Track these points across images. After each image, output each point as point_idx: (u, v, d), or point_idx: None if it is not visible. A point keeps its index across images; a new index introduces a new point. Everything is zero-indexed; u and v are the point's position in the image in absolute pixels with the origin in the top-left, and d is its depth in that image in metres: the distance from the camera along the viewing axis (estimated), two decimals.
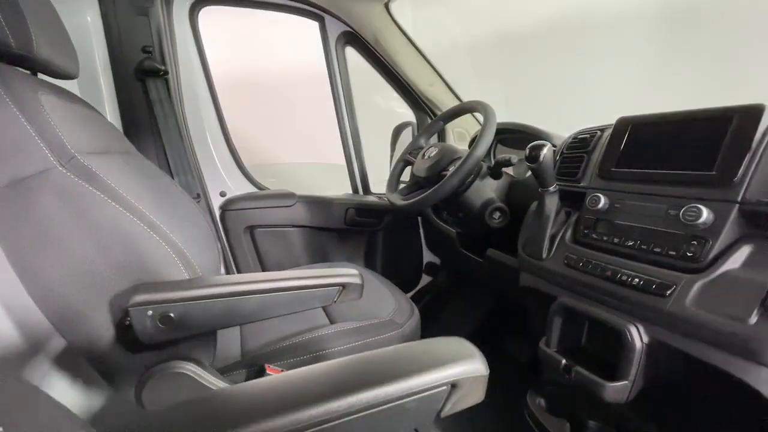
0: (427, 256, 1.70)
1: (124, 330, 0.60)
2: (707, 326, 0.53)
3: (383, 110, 1.82)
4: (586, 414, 0.80)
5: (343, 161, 1.58)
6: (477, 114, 1.30)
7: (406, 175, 1.28)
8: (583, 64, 1.75)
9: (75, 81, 0.98)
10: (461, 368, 0.39)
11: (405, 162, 1.25)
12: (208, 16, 1.31)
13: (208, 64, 1.32)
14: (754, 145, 0.57)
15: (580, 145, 0.86)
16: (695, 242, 0.59)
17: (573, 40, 1.77)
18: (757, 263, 0.53)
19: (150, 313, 0.57)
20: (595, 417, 0.79)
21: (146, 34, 1.12)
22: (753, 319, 0.49)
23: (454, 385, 0.39)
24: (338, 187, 1.61)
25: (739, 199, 0.56)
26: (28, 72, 0.69)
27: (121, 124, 1.15)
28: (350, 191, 1.62)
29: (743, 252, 0.55)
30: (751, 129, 0.57)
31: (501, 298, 1.45)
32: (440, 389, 0.38)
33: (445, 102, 1.54)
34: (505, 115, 1.47)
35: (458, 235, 1.30)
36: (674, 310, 0.56)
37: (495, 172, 1.09)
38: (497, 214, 1.05)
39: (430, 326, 1.55)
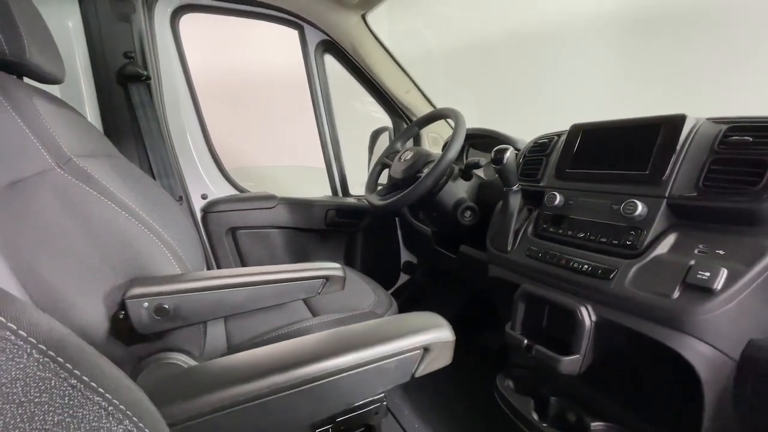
0: (405, 256, 1.77)
1: (118, 322, 0.64)
2: (641, 302, 0.62)
3: (362, 115, 1.89)
4: (548, 391, 0.88)
5: (322, 164, 1.63)
6: (450, 120, 1.39)
7: (384, 179, 1.35)
8: (549, 71, 1.89)
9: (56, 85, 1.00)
10: (432, 335, 0.46)
11: (382, 165, 1.32)
12: (189, 21, 1.34)
13: (190, 70, 1.34)
14: (677, 148, 0.67)
15: (540, 149, 0.95)
16: (633, 232, 0.68)
17: (540, 49, 1.91)
18: (680, 248, 0.63)
19: (146, 304, 0.61)
20: (556, 393, 0.87)
21: (128, 40, 1.14)
22: (675, 294, 0.58)
23: (426, 349, 0.46)
24: (318, 190, 1.66)
25: (667, 194, 0.66)
26: (11, 75, 0.72)
27: (102, 128, 1.16)
28: (329, 193, 1.67)
29: (670, 239, 0.65)
30: (675, 135, 0.67)
31: (474, 294, 1.54)
32: (414, 352, 0.45)
33: (420, 108, 1.62)
34: (476, 119, 1.57)
35: (433, 234, 1.38)
36: (616, 290, 0.65)
37: (466, 174, 1.18)
38: (468, 213, 1.13)
39: None
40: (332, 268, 0.76)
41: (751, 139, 0.60)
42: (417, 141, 1.70)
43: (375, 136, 1.75)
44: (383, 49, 1.51)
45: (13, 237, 0.60)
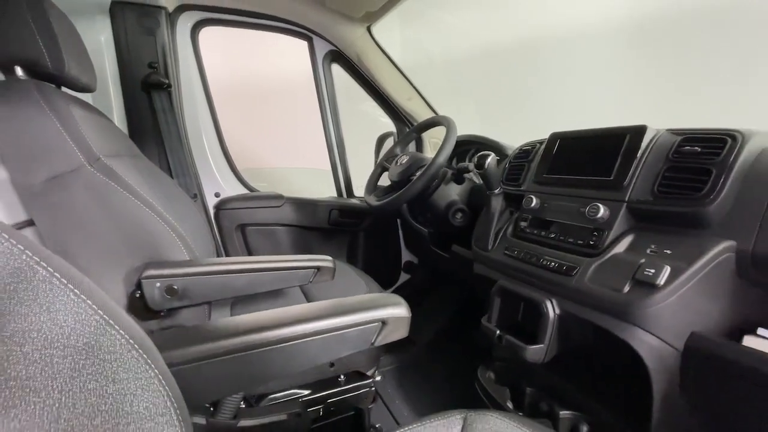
0: (406, 256, 1.84)
1: (134, 300, 0.73)
2: (597, 297, 0.68)
3: (372, 120, 1.98)
4: (524, 382, 0.94)
5: (328, 166, 1.73)
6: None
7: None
8: (552, 78, 1.96)
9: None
10: (389, 311, 0.53)
11: (382, 168, 1.40)
12: (208, 33, 1.46)
13: (207, 78, 1.46)
14: (638, 156, 0.73)
15: (524, 155, 1.02)
16: (596, 233, 0.74)
17: (545, 56, 1.98)
18: (635, 248, 0.69)
19: (158, 284, 0.71)
20: (531, 384, 0.93)
21: (152, 52, 1.26)
22: (626, 289, 0.64)
23: (383, 322, 0.53)
24: (324, 191, 1.76)
25: (627, 198, 0.72)
26: (51, 84, 0.83)
27: (128, 131, 1.29)
28: (335, 194, 1.76)
29: (627, 240, 0.71)
30: (637, 144, 0.73)
31: (470, 294, 1.60)
32: (373, 324, 0.52)
33: (422, 114, 1.70)
34: (478, 126, 1.64)
35: (429, 234, 1.45)
36: (577, 286, 0.71)
37: (458, 178, 1.25)
38: (459, 215, 1.20)
39: (412, 327, 1.70)
40: (323, 259, 0.84)
41: (699, 149, 0.65)
42: (420, 146, 1.78)
43: (381, 140, 1.84)
44: (387, 58, 1.59)
45: (51, 224, 0.71)
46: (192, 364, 0.40)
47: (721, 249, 0.59)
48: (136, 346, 0.33)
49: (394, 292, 1.84)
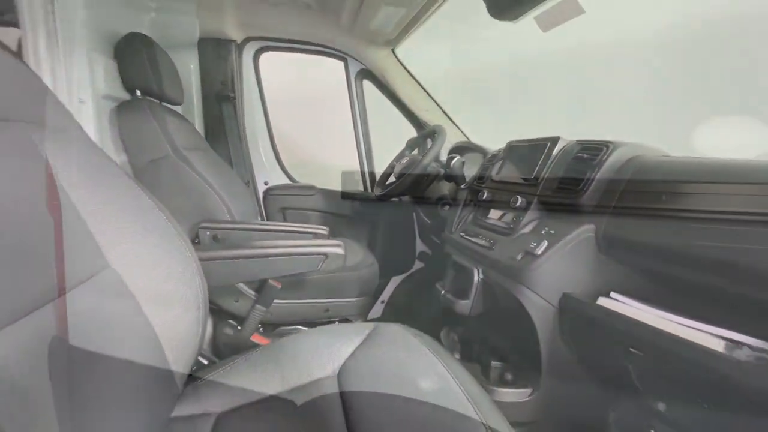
0: (421, 246, 2.09)
1: (194, 245, 1.11)
2: (503, 264, 0.90)
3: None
4: (473, 339, 1.16)
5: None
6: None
7: None
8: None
9: None
10: (328, 248, 0.83)
11: (392, 167, 1.69)
12: (267, 56, 1.87)
13: (264, 90, 1.87)
14: (550, 160, 0.93)
15: (492, 158, 1.24)
16: (515, 219, 0.96)
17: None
18: (536, 229, 0.90)
19: (208, 233, 1.08)
20: (480, 342, 1.15)
21: (224, 72, 1.70)
22: (519, 257, 0.86)
23: (326, 255, 0.83)
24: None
25: (538, 193, 0.93)
26: (157, 101, 1.25)
27: (204, 131, 1.73)
28: (361, 189, 2.08)
29: (533, 224, 0.92)
30: (552, 150, 0.94)
31: None
32: (317, 256, 0.82)
33: (437, 122, 1.94)
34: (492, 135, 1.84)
35: (430, 225, 1.70)
36: (493, 256, 0.94)
37: (449, 176, 1.49)
38: (446, 207, 1.44)
39: (417, 304, 1.96)
40: (320, 228, 1.16)
41: (585, 156, 0.85)
42: None
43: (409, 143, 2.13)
44: (409, 75, 1.87)
45: (151, 192, 1.11)
46: (209, 261, 0.74)
47: (583, 230, 0.79)
48: (184, 241, 0.66)
49: (407, 277, 2.11)
